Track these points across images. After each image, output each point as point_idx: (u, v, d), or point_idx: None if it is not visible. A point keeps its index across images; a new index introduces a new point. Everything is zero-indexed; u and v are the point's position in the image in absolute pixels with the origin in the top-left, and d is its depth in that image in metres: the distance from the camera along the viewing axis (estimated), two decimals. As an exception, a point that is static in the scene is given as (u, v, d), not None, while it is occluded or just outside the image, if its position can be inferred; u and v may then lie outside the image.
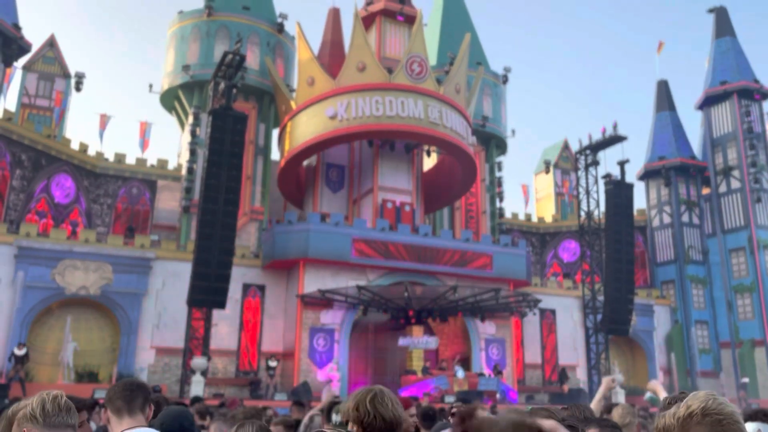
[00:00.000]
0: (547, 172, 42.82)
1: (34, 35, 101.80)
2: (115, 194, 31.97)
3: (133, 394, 3.05)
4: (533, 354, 32.17)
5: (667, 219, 38.83)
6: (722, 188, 38.12)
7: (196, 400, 10.21)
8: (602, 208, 32.83)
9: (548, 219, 41.47)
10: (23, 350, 21.85)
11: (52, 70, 32.89)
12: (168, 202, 32.70)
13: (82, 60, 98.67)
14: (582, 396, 27.89)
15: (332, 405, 4.85)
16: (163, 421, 3.59)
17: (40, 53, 32.84)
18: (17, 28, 29.07)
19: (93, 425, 5.03)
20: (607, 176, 32.03)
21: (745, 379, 32.18)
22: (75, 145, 30.74)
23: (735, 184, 37.51)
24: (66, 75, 32.96)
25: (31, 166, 28.54)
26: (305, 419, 5.01)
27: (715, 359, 35.94)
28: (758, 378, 33.84)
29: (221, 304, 22.97)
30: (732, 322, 35.83)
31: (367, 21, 31.41)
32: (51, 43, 33.30)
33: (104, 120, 32.99)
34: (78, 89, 31.72)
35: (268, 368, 25.36)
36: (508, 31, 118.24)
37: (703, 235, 38.41)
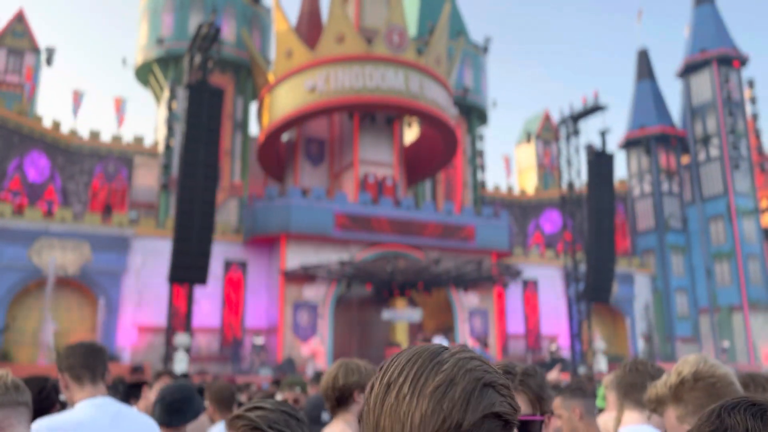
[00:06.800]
0: (529, 142, 42.74)
1: (2, 9, 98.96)
2: (91, 172, 31.36)
3: (95, 358, 2.75)
4: (516, 324, 32.43)
5: (647, 188, 39.05)
6: (701, 156, 38.36)
7: (184, 376, 10.16)
8: (584, 178, 32.88)
9: (530, 190, 41.51)
10: None
11: (22, 45, 31.92)
12: (145, 179, 32.17)
13: (52, 34, 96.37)
14: (564, 364, 28.23)
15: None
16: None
17: (9, 28, 31.83)
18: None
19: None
20: (589, 146, 32.01)
21: (726, 344, 32.74)
22: (48, 122, 30.00)
23: (714, 152, 37.75)
24: (36, 50, 32.04)
25: (2, 144, 27.81)
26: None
27: (694, 325, 36.54)
28: (736, 343, 34.51)
29: (202, 280, 22.74)
30: (710, 288, 36.37)
31: (345, -9, 30.78)
32: (20, 18, 32.27)
33: (77, 96, 32.19)
34: (49, 64, 30.89)
35: (254, 346, 25.35)
36: (488, 1, 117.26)
37: (682, 203, 38.74)
